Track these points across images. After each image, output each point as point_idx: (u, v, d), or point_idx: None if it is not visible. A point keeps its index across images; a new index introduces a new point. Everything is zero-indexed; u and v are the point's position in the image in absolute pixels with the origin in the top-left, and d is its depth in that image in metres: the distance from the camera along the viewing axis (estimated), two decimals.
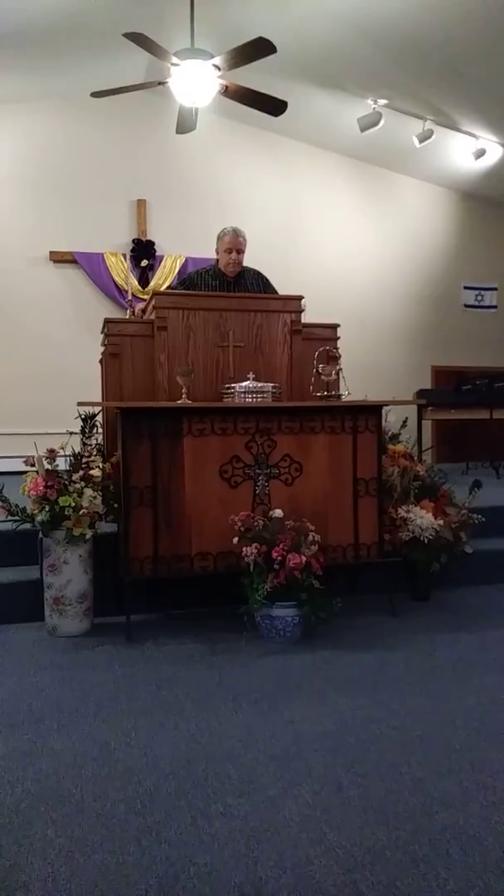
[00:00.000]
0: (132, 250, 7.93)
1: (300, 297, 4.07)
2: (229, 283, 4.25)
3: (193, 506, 3.33)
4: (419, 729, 2.26)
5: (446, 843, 1.66)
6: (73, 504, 3.17)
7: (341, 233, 8.71)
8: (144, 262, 7.84)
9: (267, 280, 4.38)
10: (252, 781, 1.95)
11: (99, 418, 3.70)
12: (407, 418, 4.39)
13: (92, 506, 3.20)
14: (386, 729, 2.26)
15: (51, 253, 7.72)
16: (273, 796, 1.87)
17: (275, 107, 5.24)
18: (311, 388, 3.79)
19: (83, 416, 3.59)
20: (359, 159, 8.65)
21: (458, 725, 2.28)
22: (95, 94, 5.09)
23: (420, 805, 1.82)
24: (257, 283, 4.31)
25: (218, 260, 4.31)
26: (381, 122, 7.19)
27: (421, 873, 1.55)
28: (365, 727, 2.27)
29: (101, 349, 4.10)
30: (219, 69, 4.77)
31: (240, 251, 4.23)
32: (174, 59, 4.72)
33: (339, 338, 4.20)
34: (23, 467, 3.38)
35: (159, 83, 5.05)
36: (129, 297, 5.86)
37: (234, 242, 4.21)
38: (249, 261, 4.41)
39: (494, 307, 9.42)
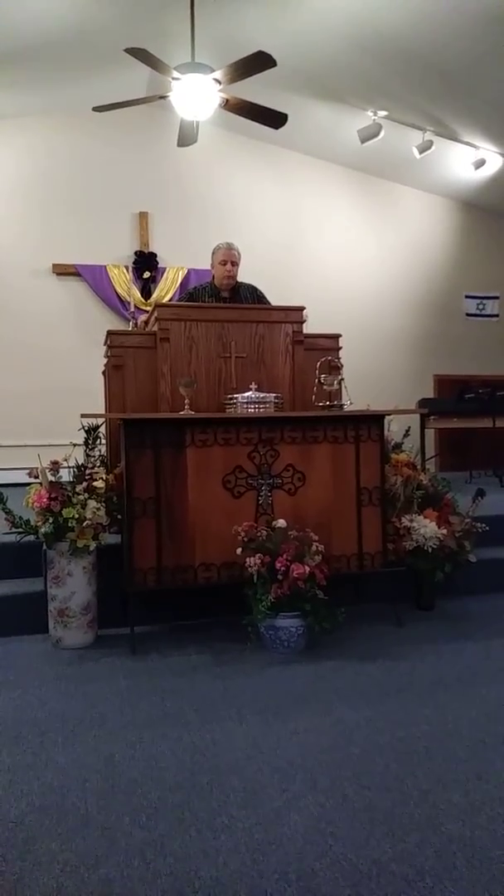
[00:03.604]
0: (134, 262, 7.97)
1: (302, 308, 4.09)
2: (225, 299, 4.31)
3: (196, 516, 3.33)
4: (424, 740, 2.25)
5: (452, 855, 1.65)
6: (76, 516, 3.17)
7: (342, 243, 8.74)
8: (147, 274, 7.89)
9: (262, 295, 4.44)
10: (257, 793, 1.94)
11: (102, 430, 3.71)
12: (410, 427, 4.39)
13: (95, 517, 3.20)
14: (391, 740, 2.25)
15: (54, 265, 7.77)
16: (278, 808, 1.86)
17: (275, 119, 5.28)
18: (314, 397, 3.80)
19: (86, 428, 3.60)
20: (359, 170, 8.70)
21: (464, 736, 2.27)
22: (97, 109, 5.14)
23: (426, 816, 1.81)
24: (252, 299, 4.36)
25: (214, 276, 4.40)
26: (381, 134, 7.23)
27: (427, 886, 1.54)
28: (370, 738, 2.26)
29: (104, 361, 4.12)
30: (219, 83, 4.81)
31: (234, 263, 4.32)
32: (175, 74, 4.76)
33: (340, 348, 4.21)
34: (26, 479, 3.39)
35: (160, 97, 5.10)
36: (132, 309, 5.90)
37: (227, 255, 4.31)
38: (251, 271, 4.44)
39: (496, 316, 9.43)
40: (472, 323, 9.33)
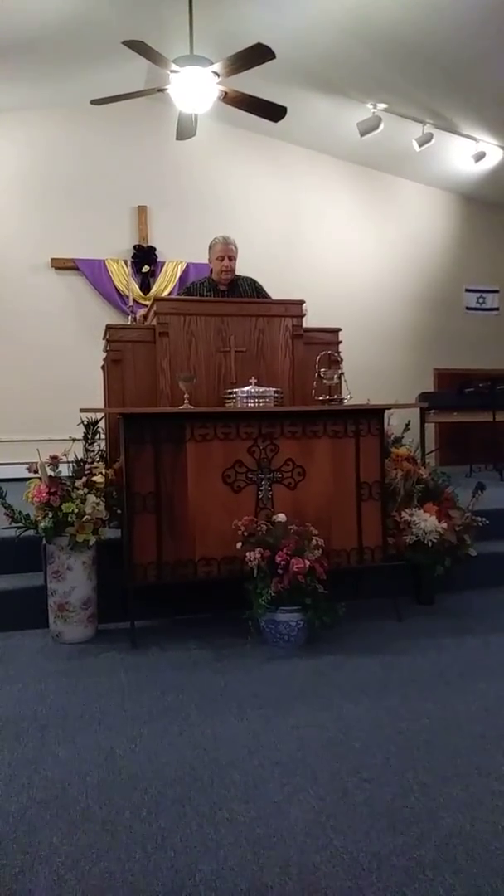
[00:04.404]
0: (133, 256, 7.95)
1: (301, 302, 4.08)
2: (223, 293, 4.29)
3: (196, 511, 3.33)
4: (425, 734, 2.25)
5: (453, 848, 1.65)
6: (76, 510, 3.17)
7: (342, 237, 8.72)
8: (146, 269, 7.88)
9: (260, 287, 4.42)
10: (257, 787, 1.94)
11: (101, 424, 3.70)
12: (409, 421, 4.40)
13: (95, 512, 3.20)
14: (391, 734, 2.25)
15: (52, 260, 7.75)
16: (278, 802, 1.87)
17: (274, 112, 5.26)
18: (314, 392, 3.80)
19: (86, 423, 3.59)
20: (359, 163, 8.67)
21: (464, 730, 2.27)
22: (95, 102, 5.11)
23: (426, 810, 1.81)
24: (251, 292, 4.35)
25: (212, 270, 4.39)
26: (381, 127, 7.21)
27: (427, 879, 1.54)
28: (370, 732, 2.27)
29: (103, 355, 4.11)
30: (218, 75, 4.79)
31: (231, 258, 4.30)
32: (173, 66, 4.74)
33: (340, 342, 4.21)
34: (26, 474, 3.38)
35: (159, 90, 5.07)
36: (131, 304, 5.89)
37: (225, 250, 4.28)
38: (251, 265, 4.44)
39: (496, 309, 9.42)
40: (472, 317, 9.32)
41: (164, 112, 6.71)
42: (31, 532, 3.32)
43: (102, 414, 3.75)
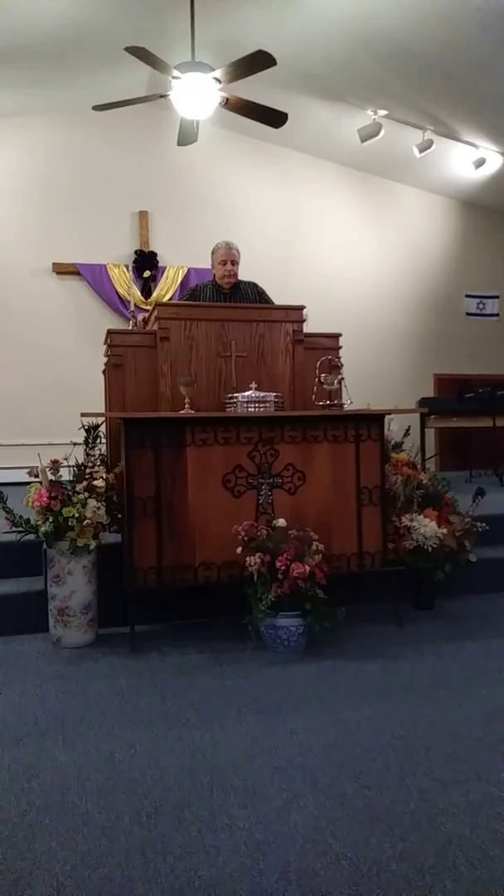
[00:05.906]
0: (134, 261, 7.97)
1: (302, 307, 4.09)
2: (226, 295, 4.32)
3: (197, 515, 3.33)
4: (424, 739, 2.25)
5: (452, 854, 1.65)
6: (76, 515, 3.17)
7: (342, 242, 8.74)
8: (147, 273, 7.88)
9: (263, 291, 4.44)
10: (257, 793, 1.94)
11: (102, 429, 3.71)
12: (410, 427, 4.40)
13: (95, 516, 3.20)
14: (391, 739, 2.25)
15: (54, 265, 7.77)
16: (278, 807, 1.86)
17: (275, 118, 5.27)
18: (314, 397, 3.80)
19: (86, 427, 3.60)
20: (359, 169, 8.70)
21: (464, 735, 2.27)
22: (97, 108, 5.13)
23: (426, 816, 1.81)
24: (253, 296, 4.37)
25: (214, 274, 4.42)
26: (381, 133, 7.22)
27: (427, 885, 1.54)
28: (370, 737, 2.26)
29: (104, 360, 4.12)
30: (219, 82, 4.80)
31: (234, 262, 4.33)
32: (175, 73, 4.75)
33: (341, 347, 4.21)
34: (27, 478, 3.39)
35: (160, 96, 5.09)
36: (132, 308, 5.90)
37: (227, 254, 4.32)
38: (251, 270, 4.45)
39: (496, 315, 9.43)
40: (472, 322, 9.33)
41: (166, 118, 6.73)
42: (31, 536, 3.32)
43: (103, 418, 3.76)
